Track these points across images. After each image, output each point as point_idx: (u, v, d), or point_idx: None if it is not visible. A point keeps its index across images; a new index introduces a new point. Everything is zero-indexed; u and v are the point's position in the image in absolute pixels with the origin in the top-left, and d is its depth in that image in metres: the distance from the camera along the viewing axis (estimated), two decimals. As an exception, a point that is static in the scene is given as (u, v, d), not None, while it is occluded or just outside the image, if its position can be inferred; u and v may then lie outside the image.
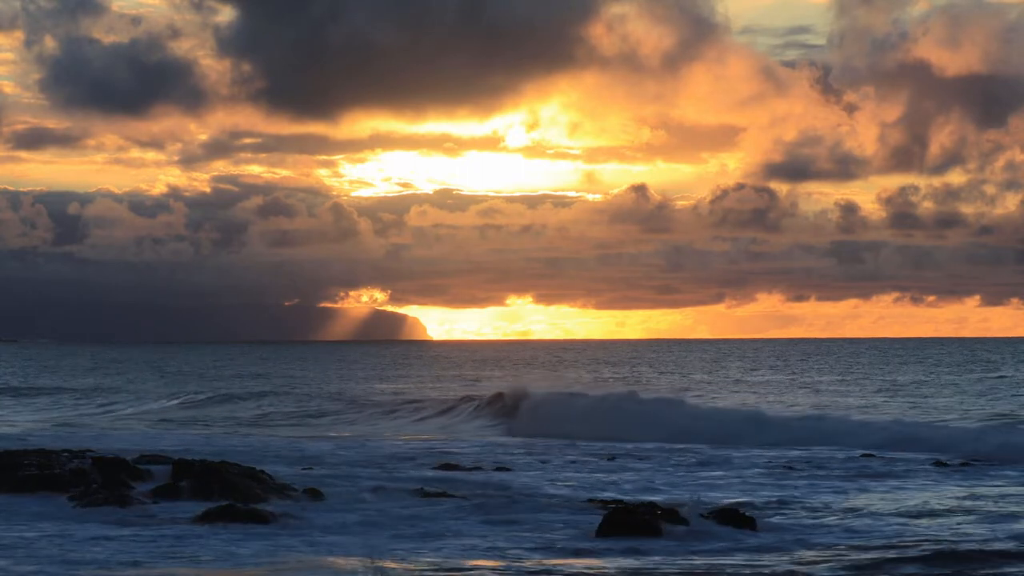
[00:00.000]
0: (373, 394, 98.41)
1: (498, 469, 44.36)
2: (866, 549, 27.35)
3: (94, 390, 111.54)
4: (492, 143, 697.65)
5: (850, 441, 54.81)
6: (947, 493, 37.44)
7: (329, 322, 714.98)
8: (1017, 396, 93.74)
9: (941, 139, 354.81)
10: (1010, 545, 27.62)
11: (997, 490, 38.32)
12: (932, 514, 32.81)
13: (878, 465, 46.09)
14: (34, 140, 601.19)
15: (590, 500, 34.62)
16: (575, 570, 25.03)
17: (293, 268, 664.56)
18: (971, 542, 28.06)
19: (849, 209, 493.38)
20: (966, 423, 65.68)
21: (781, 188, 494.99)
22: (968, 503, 34.95)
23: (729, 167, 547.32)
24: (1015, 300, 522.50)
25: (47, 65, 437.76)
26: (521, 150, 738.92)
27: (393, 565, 25.26)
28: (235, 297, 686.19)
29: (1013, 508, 33.91)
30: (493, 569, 24.96)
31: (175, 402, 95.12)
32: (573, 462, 47.54)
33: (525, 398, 72.68)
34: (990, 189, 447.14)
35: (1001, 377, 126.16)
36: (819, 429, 59.59)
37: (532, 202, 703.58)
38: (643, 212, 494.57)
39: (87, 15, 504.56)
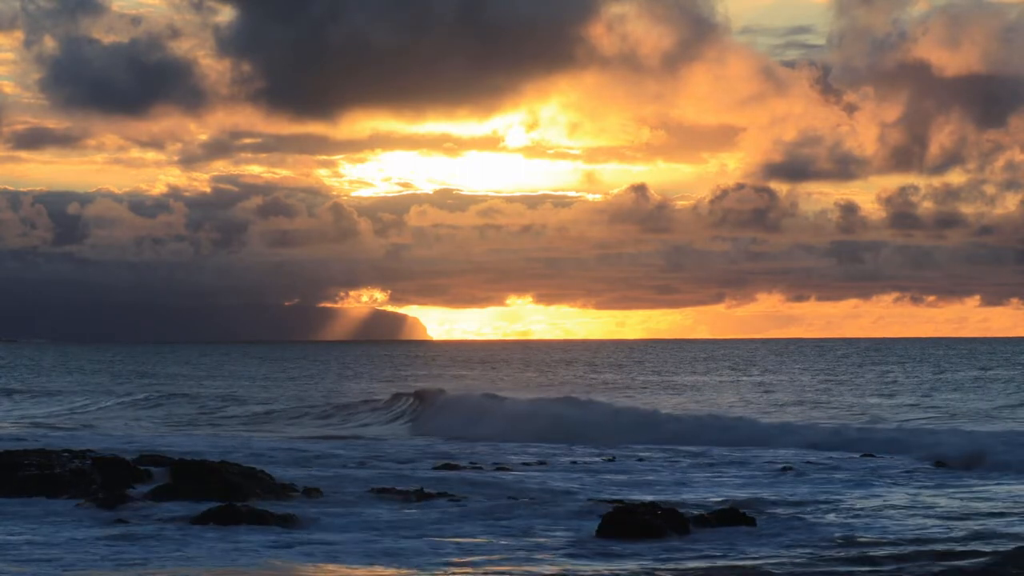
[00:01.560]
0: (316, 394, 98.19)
1: (498, 469, 44.36)
2: (867, 546, 27.34)
3: (61, 391, 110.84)
4: (492, 143, 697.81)
5: (776, 442, 55.62)
6: (949, 493, 37.42)
7: (329, 322, 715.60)
8: (1014, 395, 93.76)
9: (941, 139, 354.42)
10: (1013, 545, 27.60)
11: (999, 490, 38.33)
12: (934, 514, 32.76)
13: (879, 466, 46.11)
14: (34, 140, 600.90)
15: (590, 501, 34.61)
16: (576, 571, 25.00)
17: (293, 268, 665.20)
18: (973, 541, 28.06)
19: (849, 209, 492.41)
20: (963, 423, 65.68)
21: (781, 188, 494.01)
22: (970, 503, 34.92)
23: (729, 167, 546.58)
24: (1015, 300, 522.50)
25: (47, 65, 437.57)
26: (521, 150, 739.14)
27: (392, 570, 25.26)
28: (235, 297, 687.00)
29: (1015, 508, 33.92)
30: (493, 571, 24.93)
31: (139, 397, 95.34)
32: (573, 463, 47.55)
33: (436, 399, 73.77)
34: (990, 189, 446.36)
35: (996, 376, 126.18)
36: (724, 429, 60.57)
37: (532, 202, 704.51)
38: (643, 212, 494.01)
39: (87, 15, 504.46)
